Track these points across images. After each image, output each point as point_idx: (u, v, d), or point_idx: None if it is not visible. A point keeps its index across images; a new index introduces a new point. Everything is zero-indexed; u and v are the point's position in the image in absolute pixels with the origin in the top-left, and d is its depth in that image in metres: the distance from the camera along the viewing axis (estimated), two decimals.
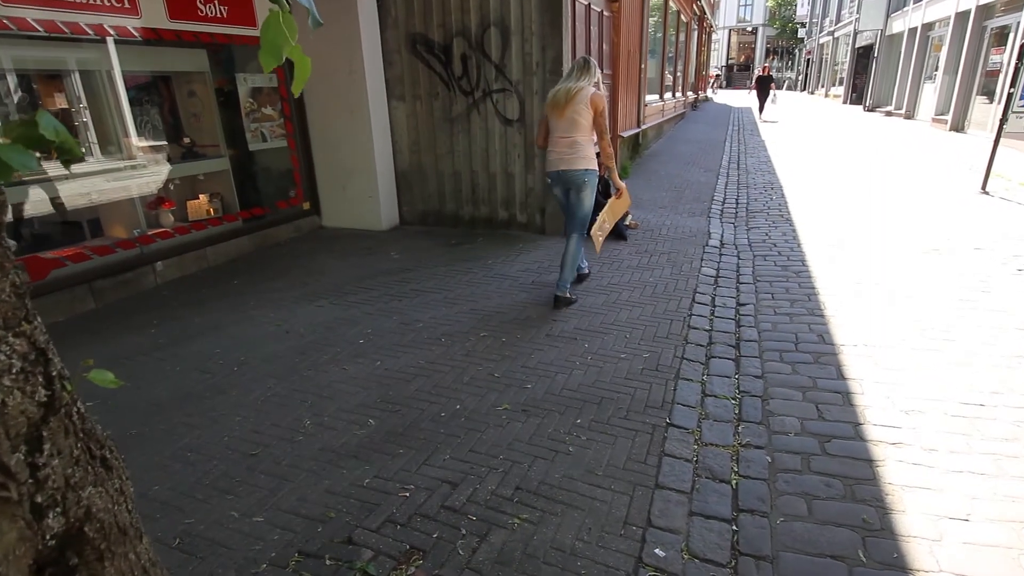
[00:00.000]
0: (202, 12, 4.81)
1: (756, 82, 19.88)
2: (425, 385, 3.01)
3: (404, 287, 4.45)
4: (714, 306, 3.97)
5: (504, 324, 3.72)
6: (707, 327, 3.63)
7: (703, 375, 3.06)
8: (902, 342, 3.37)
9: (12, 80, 3.96)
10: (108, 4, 4.15)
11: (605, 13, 7.76)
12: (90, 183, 4.39)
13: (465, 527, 2.03)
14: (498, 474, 2.30)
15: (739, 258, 5.03)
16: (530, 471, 2.31)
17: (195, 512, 2.16)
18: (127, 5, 4.27)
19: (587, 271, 4.47)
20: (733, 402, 2.82)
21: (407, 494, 2.20)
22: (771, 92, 19.52)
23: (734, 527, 2.03)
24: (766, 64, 21.53)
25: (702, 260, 4.88)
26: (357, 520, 2.08)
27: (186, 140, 5.25)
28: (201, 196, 5.29)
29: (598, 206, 4.21)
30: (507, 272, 4.71)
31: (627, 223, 5.78)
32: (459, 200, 6.10)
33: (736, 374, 3.09)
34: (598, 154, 3.96)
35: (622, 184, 4.23)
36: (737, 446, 2.48)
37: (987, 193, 7.15)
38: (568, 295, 3.98)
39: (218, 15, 4.95)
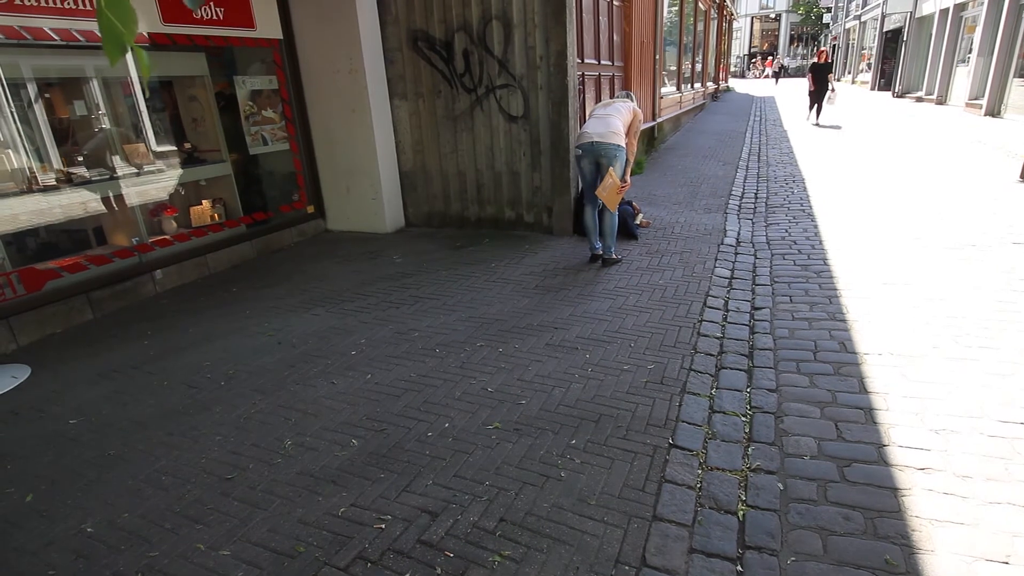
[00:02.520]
0: (197, 15, 4.72)
1: (811, 71, 14.03)
2: (415, 401, 2.85)
3: (403, 293, 4.30)
4: (727, 311, 3.73)
5: (503, 333, 3.54)
6: (718, 334, 3.40)
7: (712, 389, 2.84)
8: (933, 350, 3.10)
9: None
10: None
11: (615, 3, 7.50)
12: (90, 191, 4.34)
13: (441, 565, 1.86)
14: (482, 503, 2.13)
15: (756, 257, 4.76)
16: (517, 500, 2.13)
17: (161, 543, 2.04)
18: None
19: (618, 257, 4.73)
20: (743, 419, 2.60)
21: (383, 526, 2.04)
22: (830, 85, 13.64)
23: (739, 568, 1.82)
24: (823, 48, 14.80)
25: (716, 260, 4.63)
26: (327, 556, 1.93)
27: (187, 145, 5.18)
28: (204, 202, 5.23)
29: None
30: (510, 276, 4.52)
31: (639, 222, 5.55)
32: (464, 200, 5.94)
33: (748, 387, 2.87)
34: None
35: (628, 180, 4.54)
36: (746, 471, 2.26)
37: None
38: (615, 256, 4.66)
39: (214, 17, 4.85)
